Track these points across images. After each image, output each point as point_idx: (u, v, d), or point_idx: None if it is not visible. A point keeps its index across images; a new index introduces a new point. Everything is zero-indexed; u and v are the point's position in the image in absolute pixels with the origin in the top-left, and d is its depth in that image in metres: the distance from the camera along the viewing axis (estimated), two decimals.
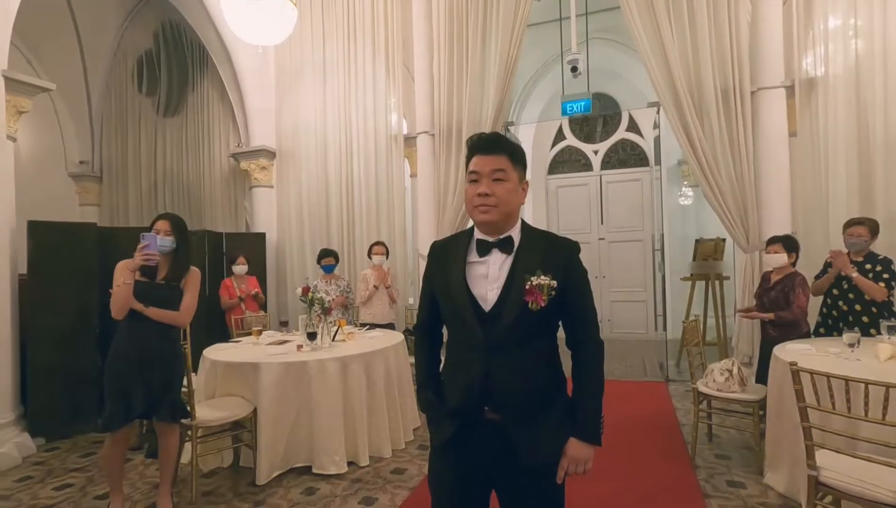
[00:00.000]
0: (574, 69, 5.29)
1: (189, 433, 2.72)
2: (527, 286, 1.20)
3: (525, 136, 7.82)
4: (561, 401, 1.28)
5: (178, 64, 6.95)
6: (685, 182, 7.50)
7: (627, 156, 7.82)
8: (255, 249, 5.54)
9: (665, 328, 6.08)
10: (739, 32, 4.37)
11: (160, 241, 2.37)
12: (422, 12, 5.34)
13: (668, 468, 2.97)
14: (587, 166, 8.01)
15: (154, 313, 2.40)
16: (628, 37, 4.84)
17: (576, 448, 1.24)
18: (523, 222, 1.32)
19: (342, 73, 5.67)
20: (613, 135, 7.92)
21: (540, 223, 7.79)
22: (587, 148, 8.05)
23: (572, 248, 1.29)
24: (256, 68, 5.92)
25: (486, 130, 5.00)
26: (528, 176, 1.34)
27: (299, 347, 3.22)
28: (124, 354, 2.38)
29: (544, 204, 8.00)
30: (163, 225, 2.45)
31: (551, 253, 1.25)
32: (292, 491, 2.79)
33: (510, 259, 1.26)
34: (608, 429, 1.40)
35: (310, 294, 3.46)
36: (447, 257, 1.34)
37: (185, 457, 2.91)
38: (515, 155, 1.26)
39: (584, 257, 1.30)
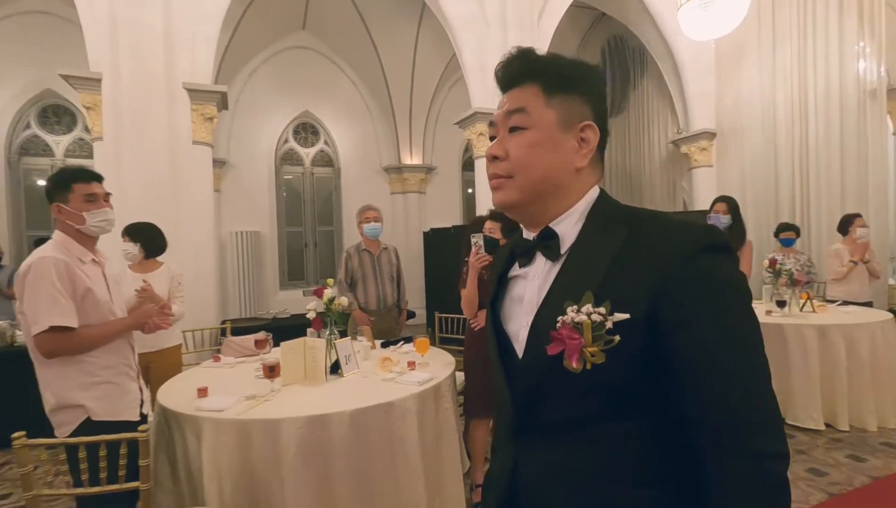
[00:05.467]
0: None
1: None
2: (557, 325, 0.65)
3: None
4: None
5: (620, 70, 8.24)
6: None
7: None
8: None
9: None
10: None
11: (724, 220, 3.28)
12: None
13: None
14: None
15: None
16: None
17: None
18: (599, 201, 0.73)
19: (795, 38, 5.39)
20: None
21: None
22: None
23: (687, 243, 0.63)
24: (695, 57, 6.36)
25: None
26: None
27: (768, 312, 3.61)
28: None
29: None
30: (720, 207, 3.33)
31: (636, 255, 0.65)
32: None
33: (556, 268, 0.71)
34: None
35: (777, 266, 3.74)
36: (496, 268, 0.84)
37: None
38: (551, 78, 0.71)
39: None
